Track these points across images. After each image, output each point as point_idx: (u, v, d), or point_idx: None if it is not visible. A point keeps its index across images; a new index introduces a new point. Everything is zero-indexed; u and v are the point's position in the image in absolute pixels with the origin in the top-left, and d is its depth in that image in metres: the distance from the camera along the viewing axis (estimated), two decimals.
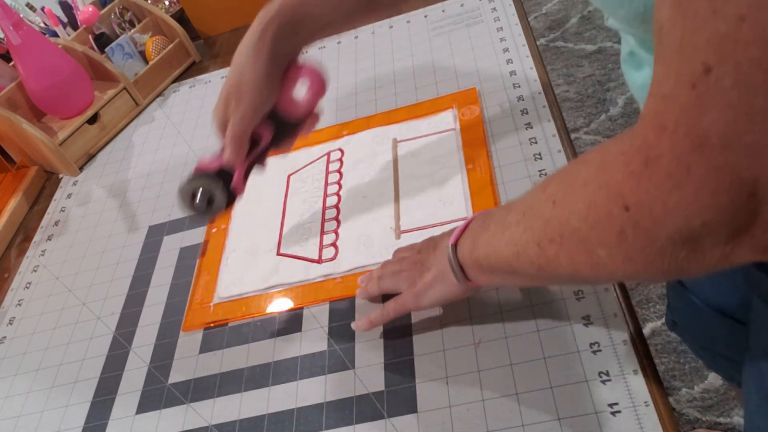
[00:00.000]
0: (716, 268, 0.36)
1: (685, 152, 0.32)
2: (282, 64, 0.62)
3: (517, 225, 0.46)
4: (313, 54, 1.07)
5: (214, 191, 0.64)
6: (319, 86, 0.65)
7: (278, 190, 0.84)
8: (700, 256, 0.35)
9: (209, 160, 0.65)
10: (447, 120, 0.83)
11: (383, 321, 0.63)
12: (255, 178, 0.87)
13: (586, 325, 0.58)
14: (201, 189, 0.64)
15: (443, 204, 0.73)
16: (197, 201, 0.65)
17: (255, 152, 0.66)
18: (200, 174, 0.65)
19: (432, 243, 0.61)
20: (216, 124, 0.64)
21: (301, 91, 0.64)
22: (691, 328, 0.88)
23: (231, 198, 0.65)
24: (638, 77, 0.51)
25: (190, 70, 1.17)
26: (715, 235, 0.34)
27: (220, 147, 0.65)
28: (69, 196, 1.00)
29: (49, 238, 0.93)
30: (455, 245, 0.55)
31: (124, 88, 1.07)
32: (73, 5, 1.12)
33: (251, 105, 0.60)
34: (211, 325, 0.72)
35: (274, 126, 0.65)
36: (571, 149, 0.73)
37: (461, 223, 0.56)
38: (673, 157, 0.32)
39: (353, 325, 0.64)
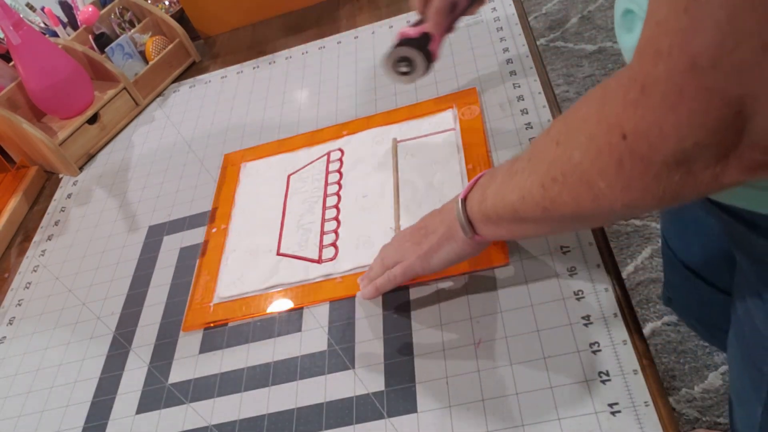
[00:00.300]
0: (708, 191, 0.38)
1: (679, 74, 0.34)
2: None
3: (522, 171, 0.49)
4: (313, 54, 1.07)
5: (416, 57, 0.74)
6: None
7: (278, 190, 0.84)
8: (692, 179, 0.37)
9: (410, 29, 0.74)
10: (447, 120, 0.83)
11: (390, 286, 0.63)
12: (255, 178, 0.88)
13: (586, 325, 0.58)
14: (404, 55, 0.74)
15: (443, 204, 0.73)
16: (401, 66, 0.75)
17: (452, 17, 0.74)
18: (403, 41, 0.74)
19: (435, 211, 0.63)
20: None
21: None
22: (686, 302, 0.90)
23: (429, 61, 0.75)
24: (630, 39, 0.52)
25: (190, 70, 1.17)
26: (705, 156, 0.36)
27: (418, 18, 0.74)
28: (69, 196, 1.00)
29: (49, 238, 0.93)
30: (464, 200, 0.57)
31: (124, 88, 1.07)
32: (73, 5, 1.12)
33: None
34: (211, 325, 0.72)
35: None
36: None
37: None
38: (668, 81, 0.34)
39: (359, 294, 0.65)
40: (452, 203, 0.60)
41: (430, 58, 0.75)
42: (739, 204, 0.52)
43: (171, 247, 0.84)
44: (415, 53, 0.73)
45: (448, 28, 0.75)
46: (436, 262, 0.61)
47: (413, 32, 0.74)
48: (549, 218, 0.48)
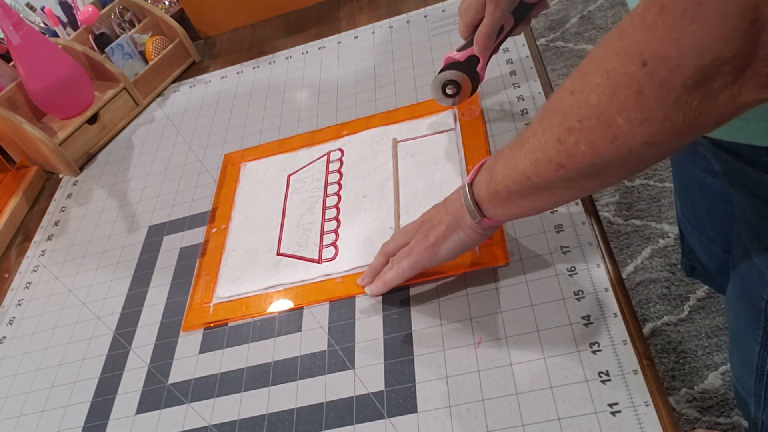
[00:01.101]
0: (726, 115, 0.39)
1: None
2: None
3: (534, 134, 0.49)
4: (313, 54, 1.07)
5: (462, 80, 0.77)
6: None
7: (278, 190, 0.84)
8: (711, 102, 0.38)
9: (456, 53, 0.77)
10: (447, 120, 0.83)
11: (399, 281, 0.63)
12: (255, 178, 0.88)
13: (586, 325, 0.58)
14: (451, 79, 0.77)
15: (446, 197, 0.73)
16: (447, 89, 0.78)
17: (498, 40, 0.77)
18: (450, 65, 0.77)
19: (438, 204, 0.63)
20: (464, 21, 0.76)
21: None
22: (706, 267, 0.91)
23: (475, 83, 0.79)
24: None
25: (190, 70, 1.17)
26: (723, 73, 0.37)
27: (465, 41, 0.77)
28: (69, 196, 1.00)
29: (49, 238, 0.93)
30: (471, 185, 0.57)
31: (124, 88, 1.07)
32: (73, 5, 1.12)
33: (505, 7, 0.73)
34: (211, 325, 0.72)
35: (513, 16, 0.76)
36: None
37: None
38: None
39: (367, 290, 0.65)
40: (456, 193, 0.60)
41: (476, 80, 0.78)
42: (739, 139, 0.53)
43: (171, 247, 0.84)
44: (462, 76, 0.77)
45: (494, 50, 0.78)
46: (443, 252, 0.61)
47: (459, 56, 0.77)
48: (563, 179, 0.48)
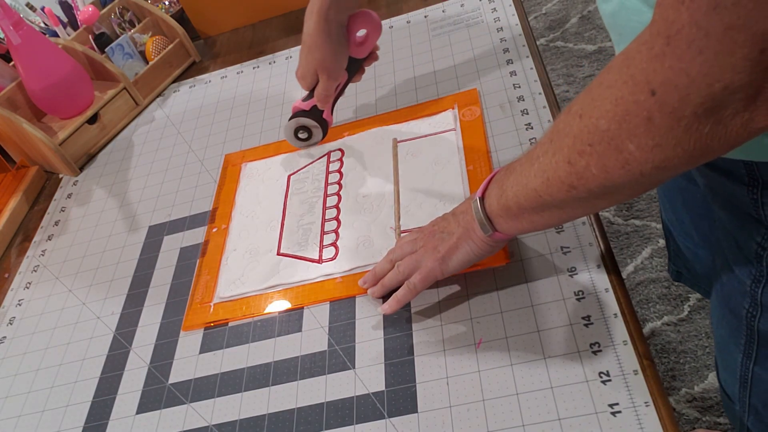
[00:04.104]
0: (738, 140, 0.38)
1: (703, 17, 0.35)
2: (344, 26, 0.78)
3: (545, 154, 0.48)
4: None
5: (312, 126, 0.85)
6: (375, 28, 0.82)
7: (278, 190, 0.84)
8: (722, 129, 0.38)
9: (302, 103, 0.84)
10: (447, 120, 0.83)
11: (412, 296, 0.63)
12: (255, 178, 0.88)
13: (586, 325, 0.58)
14: (302, 126, 0.86)
15: (443, 204, 0.73)
16: (299, 134, 0.87)
17: (336, 92, 0.85)
18: (299, 114, 0.85)
19: (447, 214, 0.63)
20: (305, 85, 0.82)
21: (361, 34, 0.82)
22: (692, 271, 0.91)
23: (325, 128, 0.87)
24: (608, 6, 0.53)
25: (190, 70, 1.17)
26: (734, 101, 0.36)
27: (307, 94, 0.84)
28: (69, 196, 1.00)
29: (49, 238, 0.93)
30: (482, 198, 0.57)
31: (124, 88, 1.07)
32: (73, 5, 1.12)
33: (335, 74, 0.80)
34: (211, 325, 0.72)
35: (346, 70, 0.82)
36: None
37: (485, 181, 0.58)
38: (692, 25, 0.35)
39: (380, 310, 0.64)
40: (466, 204, 0.60)
41: (325, 125, 0.86)
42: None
43: (171, 247, 0.84)
44: (311, 122, 0.85)
45: (335, 100, 0.86)
46: (454, 264, 0.61)
47: (305, 105, 0.84)
48: (574, 198, 0.48)
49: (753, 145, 0.46)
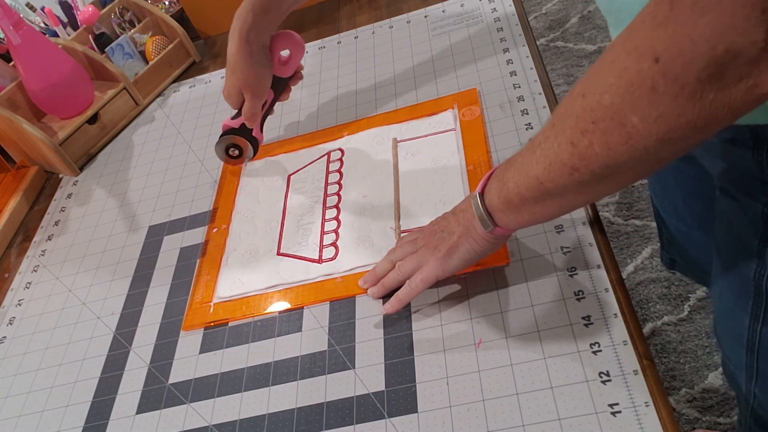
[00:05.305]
0: (742, 108, 0.38)
1: None
2: (266, 46, 0.80)
3: (546, 140, 0.48)
4: (314, 54, 1.07)
5: (242, 144, 0.87)
6: (298, 48, 0.84)
7: (278, 190, 0.84)
8: (726, 96, 0.38)
9: (231, 121, 0.86)
10: (447, 120, 0.83)
11: (413, 296, 0.63)
12: (255, 178, 0.88)
13: (586, 325, 0.58)
14: (232, 143, 0.87)
15: (443, 204, 0.73)
16: (230, 152, 0.89)
17: (264, 112, 0.86)
18: (228, 132, 0.86)
19: (447, 214, 0.63)
20: (231, 103, 0.84)
21: (285, 54, 0.84)
22: (686, 257, 0.91)
23: (255, 145, 0.88)
24: None
25: (190, 70, 1.17)
26: (737, 65, 0.36)
27: (236, 113, 0.85)
28: (69, 196, 1.00)
29: (49, 238, 0.93)
30: (482, 194, 0.57)
31: (124, 88, 1.07)
32: (73, 5, 1.12)
33: (259, 93, 0.82)
34: (211, 325, 0.72)
35: (272, 89, 0.84)
36: None
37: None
38: None
39: (382, 310, 0.64)
40: (466, 202, 0.60)
41: (255, 143, 0.88)
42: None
43: (171, 247, 0.84)
44: (242, 140, 0.87)
45: (264, 118, 0.88)
46: (455, 263, 0.61)
47: (235, 123, 0.86)
48: (576, 183, 0.48)
49: (758, 110, 0.47)
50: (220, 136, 0.87)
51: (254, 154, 0.89)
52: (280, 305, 0.71)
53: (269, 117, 0.90)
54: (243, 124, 0.85)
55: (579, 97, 0.45)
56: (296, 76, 0.88)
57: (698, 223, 0.81)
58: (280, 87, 0.86)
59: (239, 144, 0.87)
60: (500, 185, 0.55)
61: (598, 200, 0.62)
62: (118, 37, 1.12)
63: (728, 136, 0.56)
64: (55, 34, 1.12)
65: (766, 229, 0.59)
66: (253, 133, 0.87)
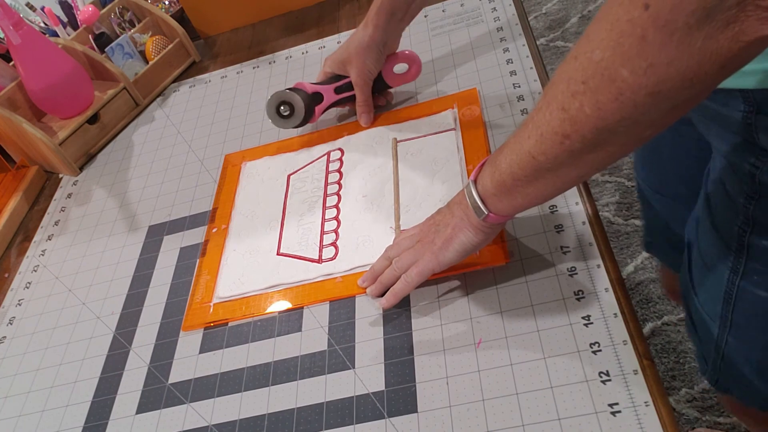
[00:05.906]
0: (729, 57, 0.39)
1: None
2: (387, 42, 0.84)
3: (539, 111, 0.49)
4: (314, 54, 1.07)
5: (299, 107, 0.84)
6: (416, 72, 0.87)
7: (278, 190, 0.84)
8: (714, 44, 0.38)
9: (308, 84, 0.85)
10: (447, 120, 0.83)
11: (409, 290, 0.64)
12: (255, 178, 0.88)
13: (586, 325, 0.58)
14: (290, 101, 0.84)
15: (443, 204, 0.72)
16: (282, 109, 0.84)
17: (346, 94, 0.86)
18: (297, 89, 0.84)
19: (442, 208, 0.64)
20: (326, 68, 0.87)
21: (400, 69, 0.87)
22: (665, 239, 0.93)
23: (307, 118, 0.85)
24: None
25: (190, 70, 1.17)
26: (724, 8, 0.37)
27: (319, 78, 0.87)
28: (69, 196, 1.00)
29: (49, 238, 0.93)
30: (475, 181, 0.57)
31: (124, 88, 1.07)
32: (73, 5, 1.12)
33: (372, 67, 0.84)
34: (211, 324, 0.72)
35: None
36: None
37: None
38: None
39: (379, 304, 0.65)
40: (460, 195, 0.61)
41: (310, 113, 0.85)
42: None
43: (171, 247, 0.84)
44: (300, 104, 0.84)
45: (336, 104, 0.88)
46: (450, 255, 0.61)
47: (309, 88, 0.84)
48: (568, 153, 0.48)
49: (749, 75, 0.48)
50: (287, 89, 0.85)
51: (301, 124, 0.86)
52: (279, 305, 0.71)
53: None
54: (315, 93, 0.84)
55: (572, 60, 0.45)
56: (387, 93, 0.89)
57: (685, 191, 0.82)
58: (378, 87, 0.87)
59: (295, 106, 0.84)
60: (493, 169, 0.55)
61: (591, 175, 0.62)
62: (118, 36, 1.12)
63: (721, 99, 0.57)
64: (55, 34, 1.12)
65: (752, 188, 0.60)
66: (315, 106, 0.85)
